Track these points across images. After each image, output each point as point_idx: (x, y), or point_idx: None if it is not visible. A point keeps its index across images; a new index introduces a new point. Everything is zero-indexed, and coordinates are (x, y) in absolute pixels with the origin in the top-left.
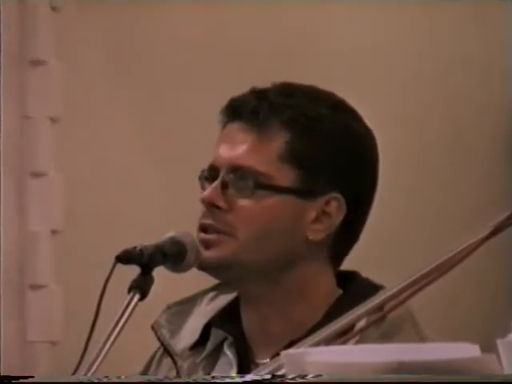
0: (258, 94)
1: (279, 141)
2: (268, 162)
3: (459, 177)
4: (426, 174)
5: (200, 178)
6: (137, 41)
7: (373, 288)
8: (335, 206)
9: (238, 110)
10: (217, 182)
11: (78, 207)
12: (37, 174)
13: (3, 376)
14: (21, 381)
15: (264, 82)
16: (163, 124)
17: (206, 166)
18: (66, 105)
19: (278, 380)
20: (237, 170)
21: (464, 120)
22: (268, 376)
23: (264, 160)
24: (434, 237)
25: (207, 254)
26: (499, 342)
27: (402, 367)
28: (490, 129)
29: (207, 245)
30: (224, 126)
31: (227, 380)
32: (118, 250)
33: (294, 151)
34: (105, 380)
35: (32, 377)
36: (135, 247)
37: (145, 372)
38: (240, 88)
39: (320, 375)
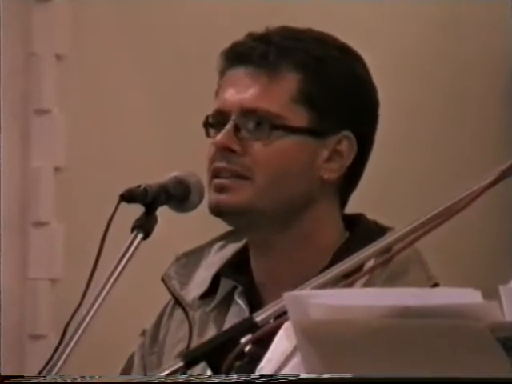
0: (263, 39)
1: (290, 82)
2: (281, 104)
3: (457, 127)
4: (424, 123)
5: (204, 125)
6: None
7: (379, 230)
8: (347, 145)
9: (245, 55)
10: (229, 126)
11: (82, 145)
12: (40, 111)
13: (3, 376)
14: (23, 381)
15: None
16: (167, 65)
17: (208, 107)
18: (71, 42)
19: (262, 380)
20: (250, 112)
21: (461, 71)
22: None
23: (277, 102)
24: (432, 185)
25: (221, 198)
26: (501, 288)
27: (407, 311)
28: (488, 79)
29: (221, 189)
30: (225, 72)
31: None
32: (121, 189)
33: (305, 92)
34: (105, 380)
35: (35, 377)
36: (139, 186)
37: (157, 324)
38: (239, 33)
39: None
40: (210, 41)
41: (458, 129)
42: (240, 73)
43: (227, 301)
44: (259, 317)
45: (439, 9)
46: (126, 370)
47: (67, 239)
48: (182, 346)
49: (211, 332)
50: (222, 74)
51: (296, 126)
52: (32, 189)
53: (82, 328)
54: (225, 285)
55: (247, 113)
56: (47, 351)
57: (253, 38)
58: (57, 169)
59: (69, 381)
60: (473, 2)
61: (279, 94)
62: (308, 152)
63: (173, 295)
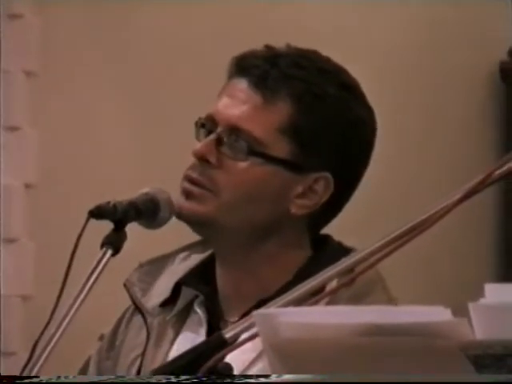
0: (270, 59)
1: (281, 111)
2: (266, 131)
3: (434, 140)
4: (402, 137)
5: (196, 125)
6: None
7: (343, 251)
8: (323, 185)
9: (249, 69)
10: (212, 137)
11: (52, 162)
12: (11, 128)
13: (3, 376)
14: (23, 381)
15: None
16: (139, 79)
17: (184, 121)
18: (41, 59)
19: (228, 380)
20: (234, 130)
21: (442, 82)
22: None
23: (263, 127)
24: (408, 201)
25: (186, 205)
26: (471, 305)
27: (377, 329)
28: (468, 91)
29: (188, 195)
30: (231, 77)
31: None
32: (91, 206)
33: (294, 125)
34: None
35: (37, 377)
36: (108, 202)
37: (115, 329)
38: (226, 50)
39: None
40: (186, 56)
41: (438, 143)
42: (241, 85)
43: (187, 309)
44: (228, 334)
45: (421, 21)
46: (81, 373)
47: (38, 256)
48: (137, 352)
49: (168, 339)
50: (228, 78)
51: (274, 155)
52: (3, 206)
53: (51, 345)
54: (186, 294)
55: (232, 130)
56: (18, 368)
57: (261, 54)
58: (27, 186)
59: (69, 380)
60: (454, 16)
61: (267, 120)
62: (280, 183)
63: (133, 302)
